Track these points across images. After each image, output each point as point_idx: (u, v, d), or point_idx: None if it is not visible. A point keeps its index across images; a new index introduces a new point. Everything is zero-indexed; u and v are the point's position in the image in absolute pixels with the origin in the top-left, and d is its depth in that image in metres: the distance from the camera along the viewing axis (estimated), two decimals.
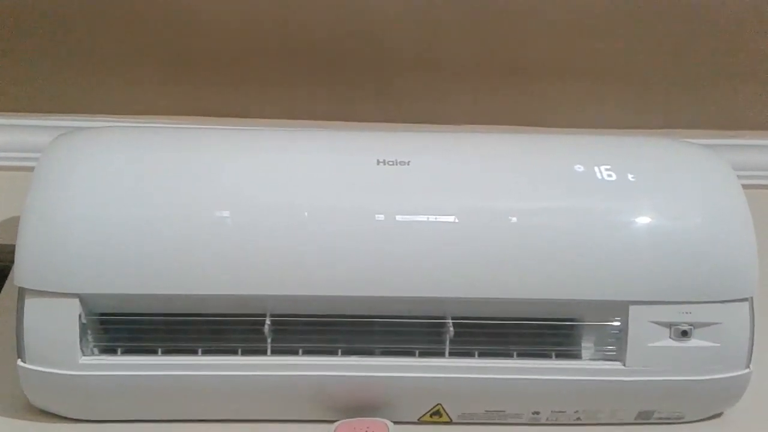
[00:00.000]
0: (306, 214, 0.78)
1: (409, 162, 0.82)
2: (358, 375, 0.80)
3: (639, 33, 1.09)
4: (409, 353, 0.81)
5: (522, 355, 0.81)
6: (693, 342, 0.80)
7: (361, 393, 0.82)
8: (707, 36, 1.08)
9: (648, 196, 0.81)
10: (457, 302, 0.79)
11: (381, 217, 0.78)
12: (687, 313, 0.79)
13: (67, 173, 0.80)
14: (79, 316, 0.77)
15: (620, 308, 0.79)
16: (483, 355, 0.81)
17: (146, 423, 0.83)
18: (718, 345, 0.80)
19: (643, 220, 0.80)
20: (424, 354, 0.81)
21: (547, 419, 0.84)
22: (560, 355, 0.81)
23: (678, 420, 0.85)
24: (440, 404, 0.83)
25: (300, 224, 0.78)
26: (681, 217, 0.81)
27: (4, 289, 0.95)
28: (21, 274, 0.77)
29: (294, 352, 0.80)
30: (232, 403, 0.82)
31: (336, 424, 0.81)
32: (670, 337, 0.80)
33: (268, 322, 0.79)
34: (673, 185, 0.83)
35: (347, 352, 0.80)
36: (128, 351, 0.80)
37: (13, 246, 0.77)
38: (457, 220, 0.79)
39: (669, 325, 0.80)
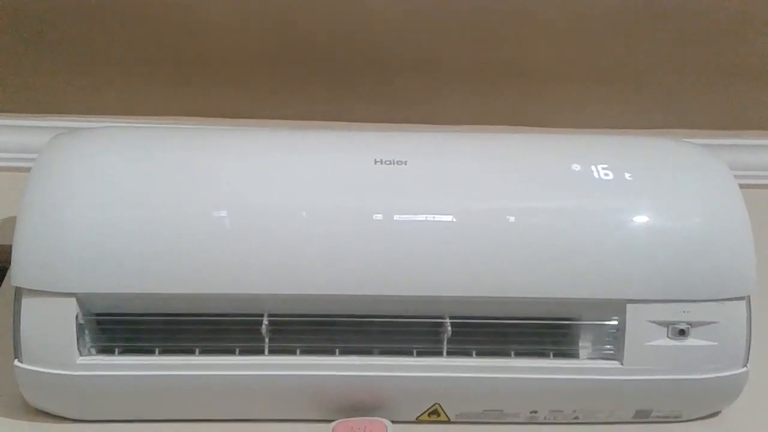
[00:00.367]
0: (304, 213, 0.79)
1: (406, 161, 0.82)
2: (355, 374, 0.80)
3: (638, 33, 1.09)
4: (406, 353, 0.81)
5: (520, 354, 0.81)
6: (690, 341, 0.80)
7: (358, 392, 0.82)
8: (706, 36, 1.08)
9: (645, 195, 0.81)
10: (454, 301, 0.79)
11: (379, 216, 0.78)
12: (684, 312, 0.79)
13: (64, 173, 0.80)
14: (76, 316, 0.77)
15: (618, 307, 0.79)
16: (481, 354, 0.81)
17: (143, 423, 0.83)
18: (716, 344, 0.80)
19: (640, 219, 0.80)
20: (421, 353, 0.81)
21: (545, 418, 0.84)
22: (558, 355, 0.81)
23: (676, 419, 0.85)
24: (438, 403, 0.83)
25: (298, 224, 0.78)
26: (678, 216, 0.81)
27: (0, 289, 0.95)
28: (18, 274, 0.77)
29: (291, 352, 0.80)
30: (229, 402, 0.82)
31: (334, 423, 0.81)
32: (667, 336, 0.80)
33: (265, 321, 0.79)
34: (670, 184, 0.83)
35: (345, 352, 0.81)
36: (126, 351, 0.80)
37: (10, 246, 0.77)
38: (454, 220, 0.79)
39: (666, 324, 0.80)
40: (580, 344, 0.82)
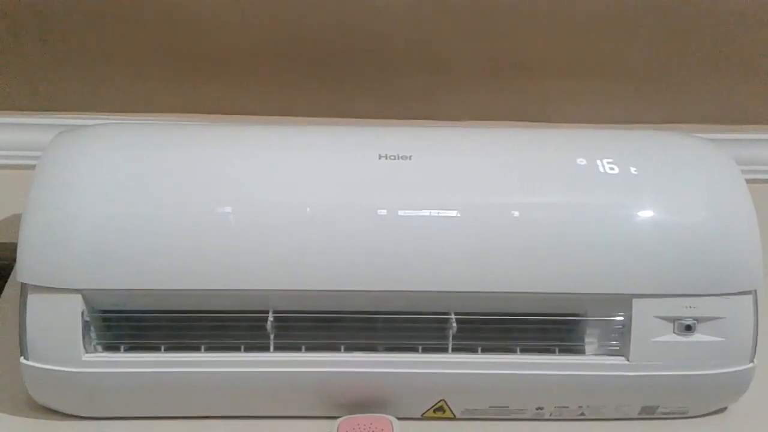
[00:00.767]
0: (308, 209, 0.78)
1: (410, 156, 0.81)
2: (361, 371, 0.80)
3: (642, 28, 1.08)
4: (412, 349, 0.81)
5: (525, 350, 0.81)
6: (697, 336, 0.80)
7: (364, 389, 0.82)
8: (709, 31, 1.08)
9: (651, 189, 0.81)
10: (459, 297, 0.79)
11: (383, 211, 0.78)
12: (691, 307, 0.79)
13: (68, 170, 0.80)
14: (82, 313, 0.77)
15: (624, 302, 0.79)
16: (486, 350, 0.81)
17: (148, 420, 0.83)
18: (722, 339, 0.80)
19: (645, 213, 0.80)
20: (427, 350, 0.81)
21: (551, 414, 0.84)
22: (564, 351, 0.81)
23: (682, 415, 0.85)
24: (444, 400, 0.83)
25: (302, 219, 0.78)
26: (684, 210, 0.81)
27: (6, 287, 0.95)
28: (23, 269, 0.77)
29: (297, 349, 0.80)
30: (235, 399, 0.82)
31: (339, 420, 0.81)
32: (674, 332, 0.80)
33: (270, 318, 0.79)
34: (677, 178, 0.83)
35: (350, 349, 0.80)
36: (131, 348, 0.80)
37: (15, 244, 0.77)
38: (459, 215, 0.79)
39: (673, 320, 0.79)
40: (586, 340, 0.82)
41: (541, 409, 0.83)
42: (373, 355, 0.80)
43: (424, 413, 0.84)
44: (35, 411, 0.83)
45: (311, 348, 0.80)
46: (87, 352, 0.79)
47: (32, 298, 0.77)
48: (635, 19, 1.07)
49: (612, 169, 0.82)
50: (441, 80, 1.14)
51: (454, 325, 0.79)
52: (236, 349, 0.80)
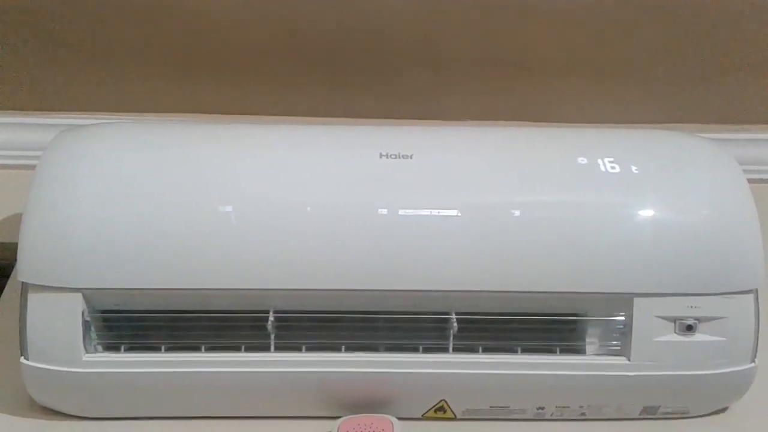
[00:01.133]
0: (309, 208, 0.78)
1: (411, 155, 0.81)
2: (361, 371, 0.80)
3: (643, 28, 1.08)
4: (413, 349, 0.81)
5: (526, 350, 0.81)
6: (698, 336, 0.80)
7: (364, 389, 0.82)
8: (712, 30, 1.08)
9: (652, 188, 0.81)
10: (460, 297, 0.79)
11: (384, 211, 0.78)
12: (692, 307, 0.79)
13: (69, 168, 0.80)
14: (83, 312, 0.77)
15: (625, 301, 0.79)
16: (487, 350, 0.81)
17: (149, 420, 0.82)
18: (724, 339, 0.80)
19: (647, 213, 0.80)
20: (428, 350, 0.81)
21: (552, 414, 0.84)
22: (565, 350, 0.81)
23: (683, 415, 0.85)
24: (444, 400, 0.82)
25: (303, 218, 0.78)
26: (685, 209, 0.81)
27: (6, 288, 0.95)
28: (24, 268, 0.77)
29: (297, 349, 0.80)
30: (235, 399, 0.82)
31: (340, 420, 0.81)
32: (675, 332, 0.80)
33: (271, 318, 0.79)
34: (678, 177, 0.83)
35: (351, 349, 0.80)
36: (131, 348, 0.80)
37: (16, 244, 0.77)
38: (460, 214, 0.79)
39: (674, 320, 0.79)
40: (587, 340, 0.81)
41: (542, 409, 0.83)
42: (374, 355, 0.80)
43: (424, 413, 0.84)
44: (35, 411, 0.83)
45: (312, 348, 0.80)
46: (87, 352, 0.78)
47: (33, 298, 0.77)
48: (636, 19, 1.07)
49: (613, 168, 0.81)
50: (442, 80, 1.14)
51: (455, 325, 0.79)
52: (237, 349, 0.80)
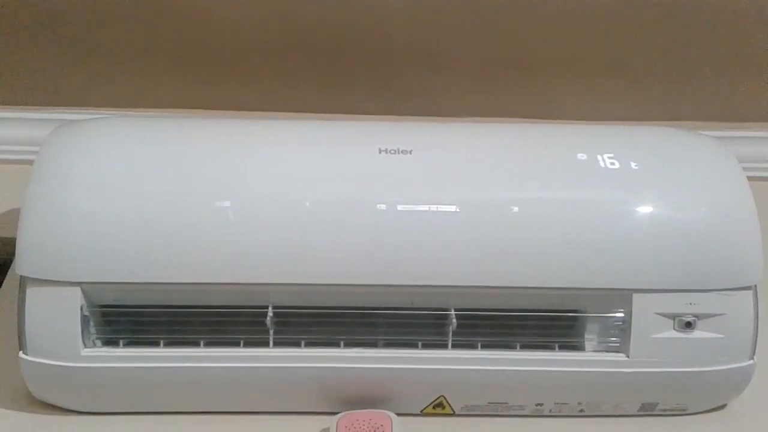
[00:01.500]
0: (308, 203, 0.78)
1: (411, 151, 0.81)
2: (360, 367, 0.80)
3: (643, 26, 1.08)
4: (411, 345, 0.81)
5: (525, 346, 0.81)
6: (697, 333, 0.80)
7: (363, 385, 0.82)
8: (710, 29, 1.08)
9: (652, 184, 0.81)
10: (459, 293, 0.79)
11: (383, 206, 0.78)
12: (691, 304, 0.79)
13: (67, 163, 0.80)
14: (81, 307, 0.77)
15: (624, 298, 0.79)
16: (486, 346, 0.80)
17: (148, 415, 0.82)
18: (722, 336, 0.80)
19: (646, 209, 0.80)
20: (427, 346, 0.81)
21: (551, 411, 0.84)
22: (563, 347, 0.81)
23: (682, 412, 0.85)
24: (443, 396, 0.82)
25: (301, 213, 0.78)
26: (685, 206, 0.80)
27: (4, 283, 0.95)
28: (22, 262, 0.77)
29: (296, 344, 0.80)
30: (234, 395, 0.82)
31: (338, 416, 0.81)
32: (674, 329, 0.80)
33: (270, 313, 0.79)
34: (678, 174, 0.82)
35: (350, 344, 0.80)
36: (130, 343, 0.80)
37: (14, 239, 0.77)
38: (459, 210, 0.79)
39: (673, 317, 0.79)
40: (586, 336, 0.81)
41: (540, 405, 0.83)
42: (373, 350, 0.80)
43: (423, 409, 0.84)
44: (34, 406, 0.83)
45: (311, 343, 0.80)
46: (86, 347, 0.78)
47: (31, 292, 0.77)
48: (637, 17, 1.07)
49: (613, 164, 0.81)
50: (441, 77, 1.14)
51: (454, 321, 0.79)
52: (235, 344, 0.80)
